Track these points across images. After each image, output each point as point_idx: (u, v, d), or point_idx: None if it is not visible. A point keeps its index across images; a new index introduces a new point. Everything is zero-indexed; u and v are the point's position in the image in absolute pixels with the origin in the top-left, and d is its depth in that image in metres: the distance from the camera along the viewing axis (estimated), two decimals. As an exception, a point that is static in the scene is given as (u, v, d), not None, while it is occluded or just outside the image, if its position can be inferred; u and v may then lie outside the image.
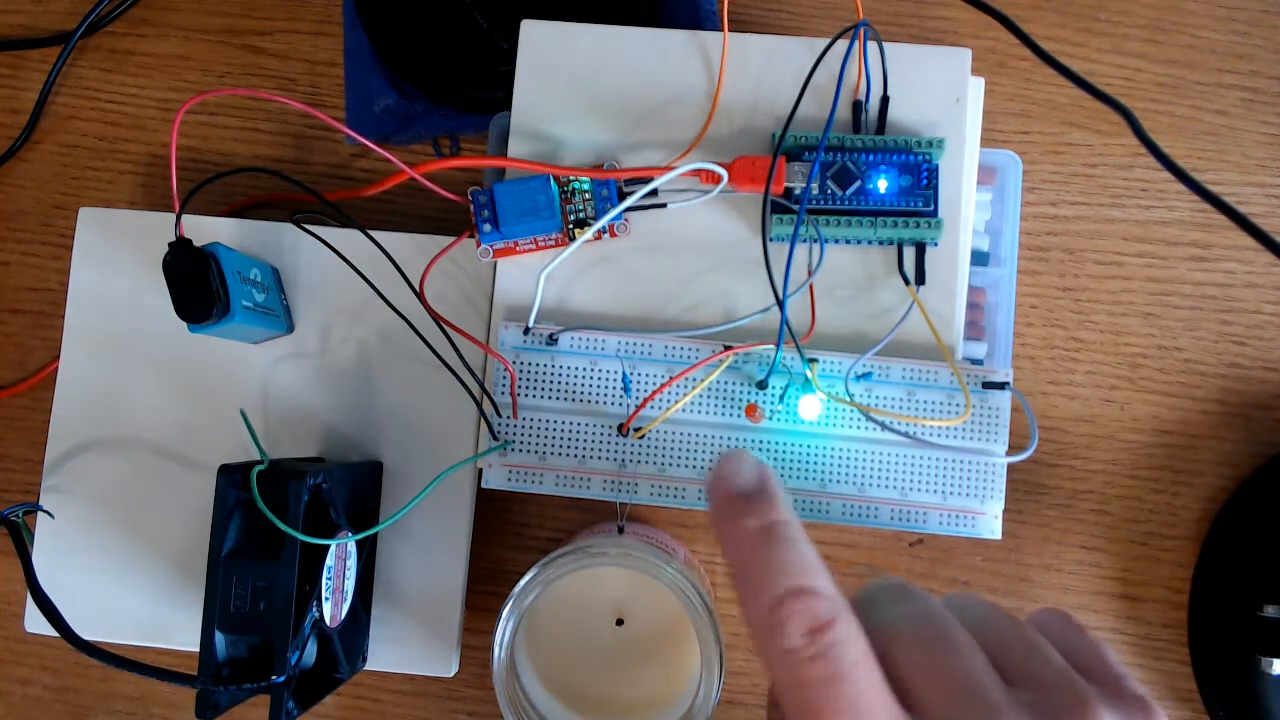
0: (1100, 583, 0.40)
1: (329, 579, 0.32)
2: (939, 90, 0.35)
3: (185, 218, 0.33)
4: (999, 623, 0.21)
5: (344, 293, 0.37)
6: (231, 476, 0.31)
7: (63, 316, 0.38)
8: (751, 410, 0.34)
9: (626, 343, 0.34)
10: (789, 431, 0.34)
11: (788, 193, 0.34)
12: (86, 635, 0.30)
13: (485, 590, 0.40)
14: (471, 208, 0.34)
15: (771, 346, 0.33)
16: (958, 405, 0.34)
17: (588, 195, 0.35)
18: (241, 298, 0.33)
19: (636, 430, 0.34)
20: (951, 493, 0.33)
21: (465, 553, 0.37)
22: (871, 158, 0.34)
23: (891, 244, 0.34)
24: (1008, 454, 0.33)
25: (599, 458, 0.34)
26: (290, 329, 0.37)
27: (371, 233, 0.35)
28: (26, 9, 0.44)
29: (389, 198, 0.41)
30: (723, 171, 0.33)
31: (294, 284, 0.37)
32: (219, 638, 0.30)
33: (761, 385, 0.34)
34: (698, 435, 0.34)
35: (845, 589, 0.22)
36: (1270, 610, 0.37)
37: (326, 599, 0.32)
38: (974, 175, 0.35)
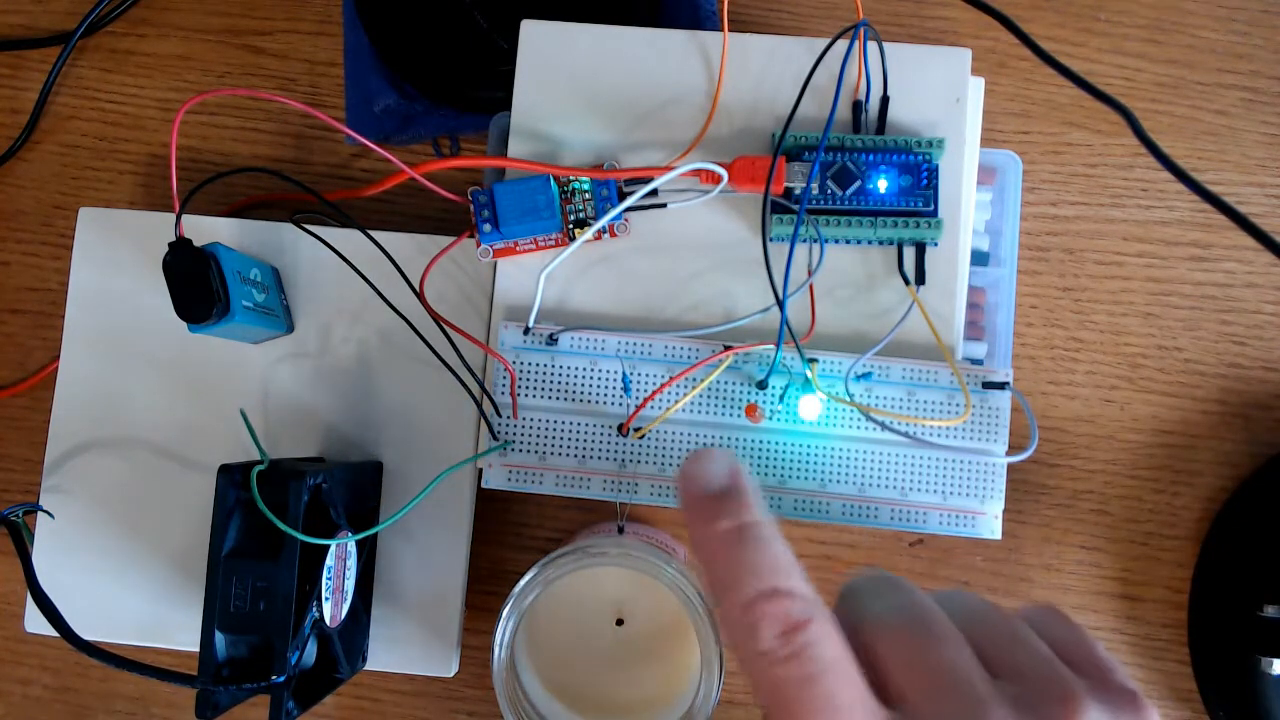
0: (1100, 583, 0.40)
1: (329, 579, 0.32)
2: (939, 90, 0.35)
3: (185, 218, 0.33)
4: (986, 615, 0.21)
5: (344, 293, 0.37)
6: (231, 476, 0.31)
7: (63, 316, 0.38)
8: (751, 410, 0.34)
9: (626, 343, 0.34)
10: (789, 431, 0.34)
11: (788, 193, 0.34)
12: (86, 635, 0.30)
13: (485, 590, 0.40)
14: (471, 208, 0.34)
15: (771, 346, 0.33)
16: (958, 405, 0.34)
17: (588, 195, 0.35)
18: (241, 298, 0.33)
19: (636, 430, 0.34)
20: (951, 493, 0.33)
21: (465, 553, 0.37)
22: (871, 158, 0.34)
23: (891, 244, 0.34)
24: (1008, 454, 0.33)
25: (599, 458, 0.34)
26: (290, 329, 0.37)
27: (371, 233, 0.35)
28: (26, 9, 0.44)
29: (389, 198, 0.41)
30: (723, 171, 0.33)
31: (294, 284, 0.37)
32: (219, 638, 0.30)
33: (761, 385, 0.34)
34: (698, 435, 0.34)
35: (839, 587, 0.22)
36: (1270, 610, 0.37)
37: (326, 599, 0.32)
38: (974, 175, 0.35)
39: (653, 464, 0.34)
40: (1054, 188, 0.42)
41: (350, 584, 0.34)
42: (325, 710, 0.40)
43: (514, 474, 0.34)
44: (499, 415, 0.34)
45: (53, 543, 0.37)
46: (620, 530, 0.37)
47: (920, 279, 0.34)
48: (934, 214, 0.34)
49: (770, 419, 0.34)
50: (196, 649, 0.30)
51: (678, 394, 0.34)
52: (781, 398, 0.34)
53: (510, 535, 0.41)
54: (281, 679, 0.30)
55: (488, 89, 0.40)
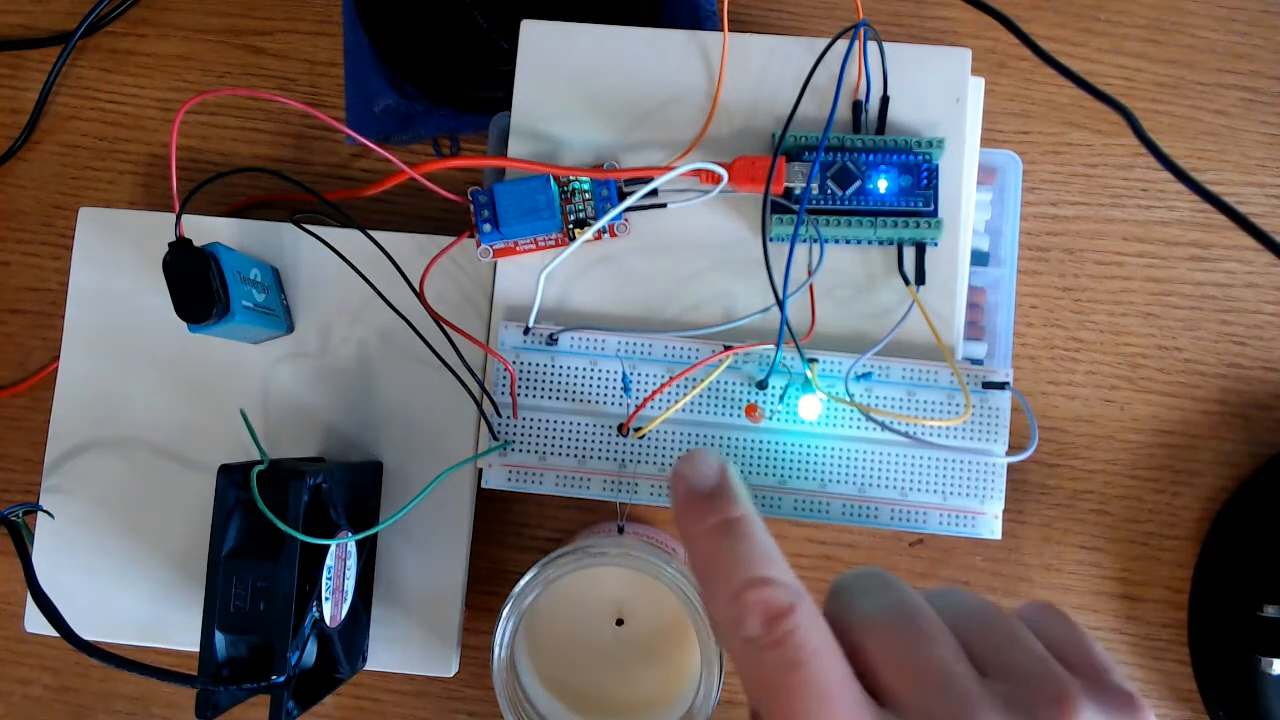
0: (1100, 583, 0.40)
1: (329, 579, 0.32)
2: (939, 90, 0.35)
3: (185, 218, 0.33)
4: (978, 613, 0.21)
5: (344, 293, 0.37)
6: (231, 476, 0.31)
7: (63, 316, 0.38)
8: (751, 410, 0.34)
9: (626, 343, 0.34)
10: (789, 431, 0.34)
11: (788, 193, 0.34)
12: (86, 635, 0.30)
13: (485, 590, 0.40)
14: (471, 208, 0.34)
15: (771, 346, 0.33)
16: (958, 405, 0.34)
17: (588, 195, 0.35)
18: (241, 298, 0.33)
19: (636, 430, 0.34)
20: (951, 493, 0.33)
21: (465, 553, 0.37)
22: (871, 158, 0.34)
23: (891, 244, 0.34)
24: (1008, 454, 0.33)
25: (599, 458, 0.34)
26: (290, 329, 0.37)
27: (371, 233, 0.35)
28: (26, 9, 0.44)
29: (389, 198, 0.41)
30: (723, 171, 0.33)
31: (294, 284, 0.37)
32: (219, 638, 0.30)
33: (761, 385, 0.34)
34: (698, 435, 0.34)
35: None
36: (1270, 610, 0.37)
37: (326, 599, 0.32)
38: (974, 175, 0.35)
39: (653, 464, 0.34)
40: (1054, 188, 0.42)
41: (350, 584, 0.34)
42: (325, 710, 0.40)
43: (514, 474, 0.34)
44: (499, 415, 0.34)
45: (53, 543, 0.37)
46: (620, 530, 0.37)
47: (920, 279, 0.34)
48: (934, 214, 0.34)
49: (770, 419, 0.34)
50: (196, 649, 0.30)
51: (678, 394, 0.34)
52: (781, 398, 0.34)
53: (510, 535, 0.41)
54: (281, 679, 0.30)
55: (488, 89, 0.40)
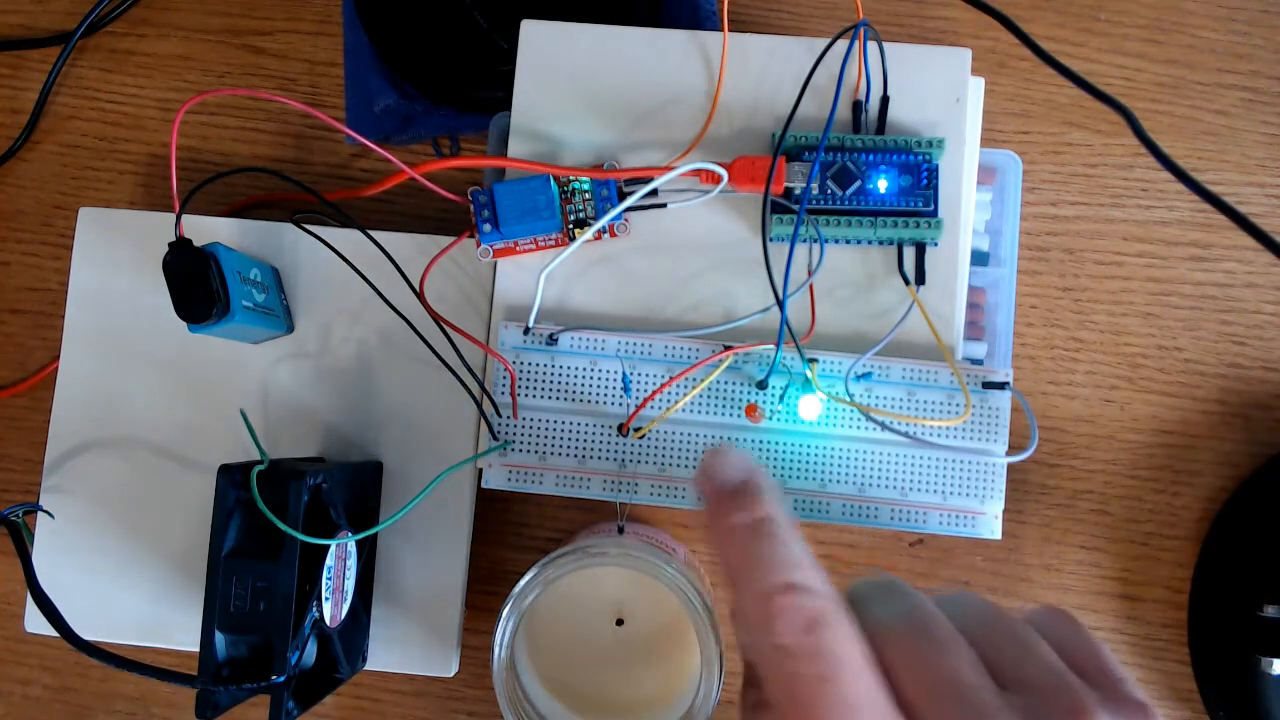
0: (1100, 583, 0.40)
1: (329, 579, 0.32)
2: (939, 90, 0.35)
3: (185, 218, 0.33)
4: (993, 621, 0.21)
5: (344, 293, 0.37)
6: (231, 476, 0.31)
7: (63, 316, 0.38)
8: (751, 410, 0.34)
9: (626, 343, 0.34)
10: (789, 431, 0.34)
11: (788, 193, 0.34)
12: (86, 635, 0.30)
13: (485, 590, 0.40)
14: (471, 208, 0.34)
15: (771, 346, 0.33)
16: (958, 405, 0.34)
17: (588, 195, 0.35)
18: (241, 298, 0.33)
19: (636, 430, 0.34)
20: (951, 493, 0.33)
21: (465, 553, 0.37)
22: (871, 158, 0.34)
23: (891, 244, 0.34)
24: (1008, 454, 0.33)
25: (599, 458, 0.34)
26: (290, 329, 0.37)
27: (371, 233, 0.35)
28: (26, 9, 0.44)
29: (389, 198, 0.41)
30: (723, 171, 0.33)
31: (294, 284, 0.37)
32: (219, 638, 0.30)
33: (761, 385, 0.34)
34: (698, 435, 0.34)
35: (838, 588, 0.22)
36: (1270, 610, 0.37)
37: (326, 599, 0.32)
38: (974, 175, 0.35)
39: (653, 464, 0.34)
40: (1054, 188, 0.42)
41: (350, 584, 0.34)
42: (325, 710, 0.40)
43: (514, 474, 0.34)
44: (499, 415, 0.34)
45: (53, 543, 0.37)
46: (620, 530, 0.37)
47: (920, 279, 0.34)
48: (934, 214, 0.34)
49: (770, 419, 0.34)
50: (196, 649, 0.30)
51: (678, 394, 0.34)
52: (781, 398, 0.34)
53: (510, 535, 0.41)
54: (281, 679, 0.30)
55: (488, 89, 0.40)
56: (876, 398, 0.34)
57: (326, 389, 0.37)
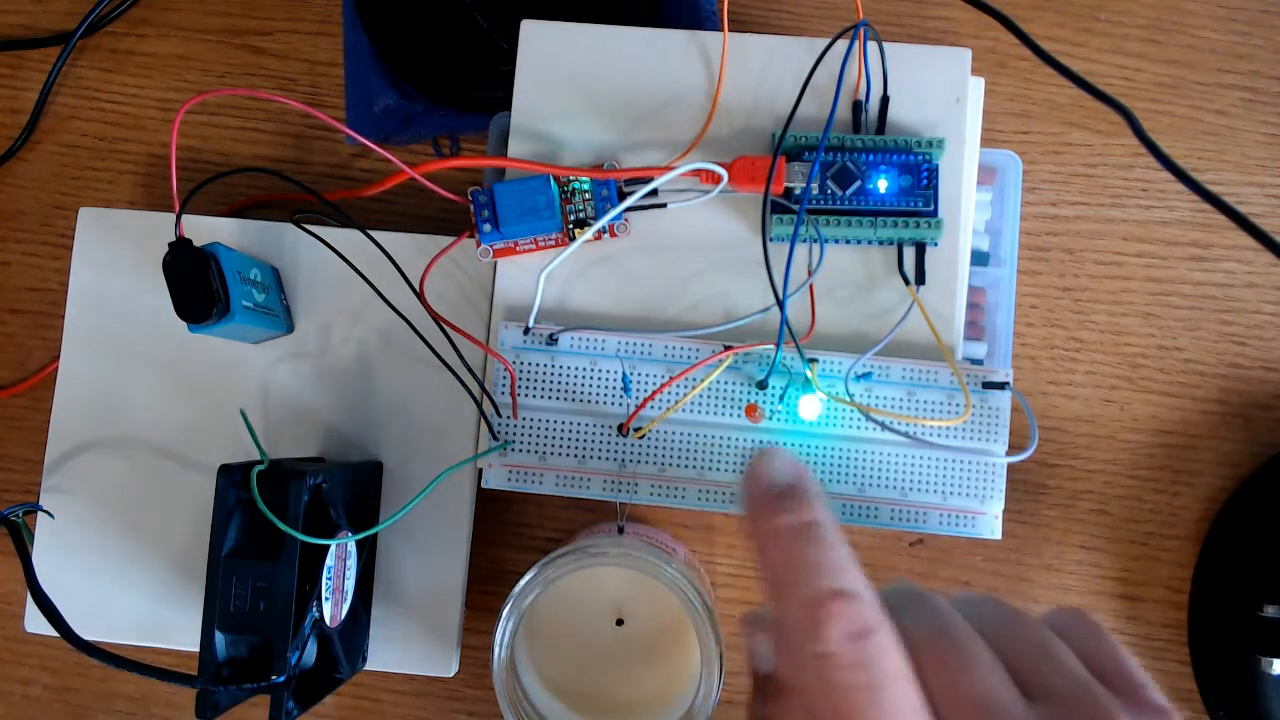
0: (1100, 583, 0.40)
1: (329, 579, 0.32)
2: (939, 90, 0.35)
3: (185, 218, 0.33)
4: (1017, 628, 0.21)
5: (344, 293, 0.37)
6: (231, 476, 0.31)
7: (63, 316, 0.38)
8: (751, 410, 0.34)
9: (626, 343, 0.34)
10: (789, 431, 0.34)
11: (788, 193, 0.34)
12: (86, 635, 0.30)
13: (485, 590, 0.40)
14: (471, 208, 0.34)
15: (771, 346, 0.33)
16: (958, 405, 0.34)
17: (588, 195, 0.35)
18: (241, 298, 0.33)
19: (636, 430, 0.34)
20: (951, 493, 0.33)
21: (465, 553, 0.37)
22: (871, 158, 0.34)
23: (891, 244, 0.34)
24: (1008, 454, 0.33)
25: (599, 458, 0.34)
26: (290, 329, 0.37)
27: (371, 233, 0.35)
28: (26, 9, 0.44)
29: (389, 198, 0.41)
30: (723, 171, 0.33)
31: (294, 284, 0.37)
32: (219, 638, 0.30)
33: (761, 385, 0.34)
34: (698, 435, 0.34)
35: None
36: (1270, 610, 0.37)
37: (326, 599, 0.32)
38: (974, 175, 0.35)
39: (653, 464, 0.34)
40: (1054, 188, 0.42)
41: (350, 584, 0.34)
42: (325, 710, 0.40)
43: (514, 474, 0.34)
44: (499, 415, 0.34)
45: (53, 543, 0.37)
46: (620, 530, 0.37)
47: (920, 279, 0.34)
48: (934, 214, 0.34)
49: (770, 419, 0.34)
50: (196, 649, 0.30)
51: (678, 394, 0.34)
52: (781, 398, 0.34)
53: (510, 535, 0.41)
54: (281, 679, 0.30)
55: (488, 89, 0.40)
56: (876, 398, 0.34)
57: (326, 389, 0.37)
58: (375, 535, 0.36)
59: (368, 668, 0.36)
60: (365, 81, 0.41)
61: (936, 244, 0.34)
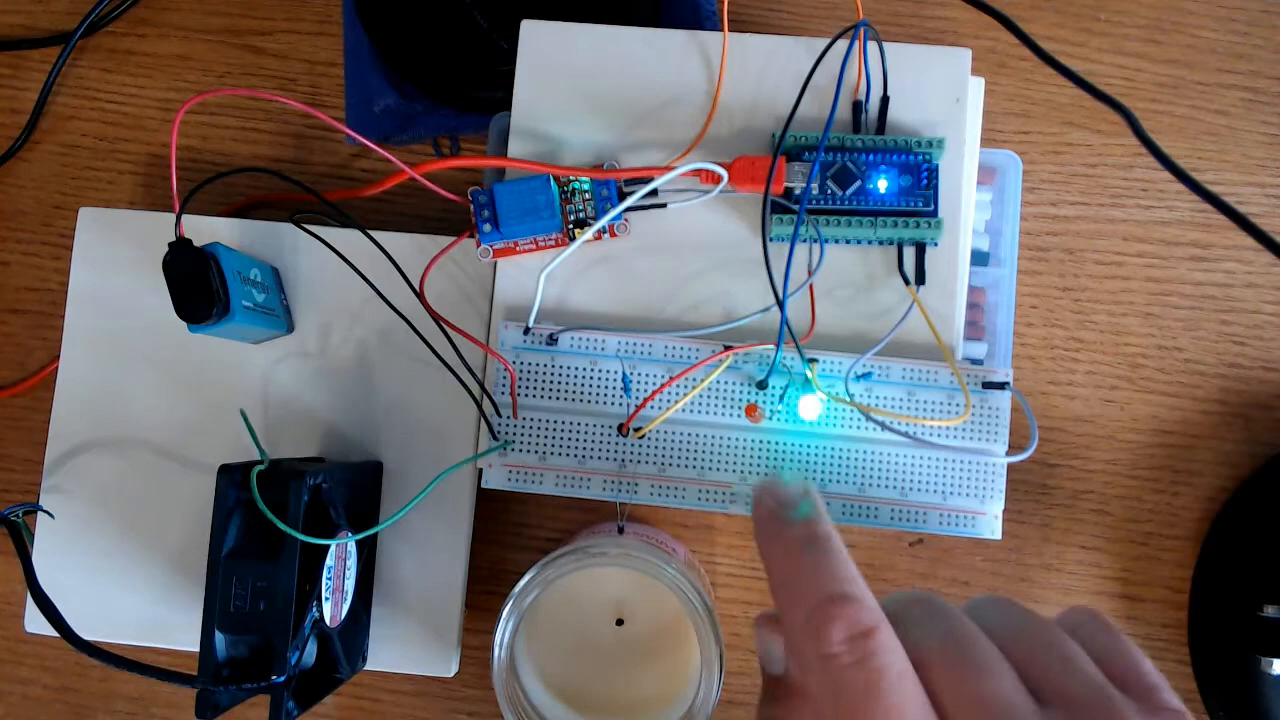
0: (1100, 583, 0.40)
1: (329, 579, 0.32)
2: (939, 90, 0.35)
3: (185, 218, 0.33)
4: (1028, 630, 0.21)
5: (344, 293, 0.37)
6: (231, 476, 0.31)
7: (63, 316, 0.38)
8: (751, 410, 0.34)
9: (626, 343, 0.34)
10: (789, 431, 0.34)
11: (788, 193, 0.34)
12: (86, 635, 0.30)
13: (485, 590, 0.40)
14: (471, 208, 0.34)
15: (771, 346, 0.33)
16: (958, 405, 0.34)
17: (588, 195, 0.35)
18: (241, 298, 0.33)
19: (636, 430, 0.34)
20: (951, 493, 0.33)
21: (465, 553, 0.37)
22: (871, 158, 0.34)
23: (891, 244, 0.34)
24: (1008, 454, 0.33)
25: (599, 458, 0.34)
26: (290, 329, 0.37)
27: (371, 233, 0.35)
28: (26, 9, 0.44)
29: (389, 198, 0.41)
30: (723, 171, 0.33)
31: (294, 284, 0.37)
32: (219, 638, 0.30)
33: (761, 385, 0.34)
34: (698, 435, 0.34)
35: None
36: (1270, 610, 0.37)
37: (326, 599, 0.32)
38: (974, 175, 0.35)
39: (653, 464, 0.34)
40: (1054, 188, 0.42)
41: (350, 584, 0.34)
42: (325, 710, 0.40)
43: (514, 474, 0.34)
44: (499, 415, 0.34)
45: (53, 543, 0.37)
46: (620, 530, 0.37)
47: (920, 279, 0.34)
48: (934, 214, 0.34)
49: (770, 419, 0.34)
50: (196, 649, 0.30)
51: (678, 394, 0.34)
52: (781, 398, 0.34)
53: (510, 535, 0.41)
54: (281, 679, 0.30)
55: (488, 89, 0.40)
56: (876, 398, 0.34)
57: (326, 389, 0.37)
58: (375, 535, 0.36)
59: (368, 668, 0.36)
60: (365, 81, 0.41)
61: (936, 244, 0.34)
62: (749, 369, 0.34)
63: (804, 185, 0.33)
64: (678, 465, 0.34)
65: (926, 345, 0.34)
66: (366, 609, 0.36)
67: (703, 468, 0.34)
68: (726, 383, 0.34)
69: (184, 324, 0.32)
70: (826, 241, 0.34)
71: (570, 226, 0.35)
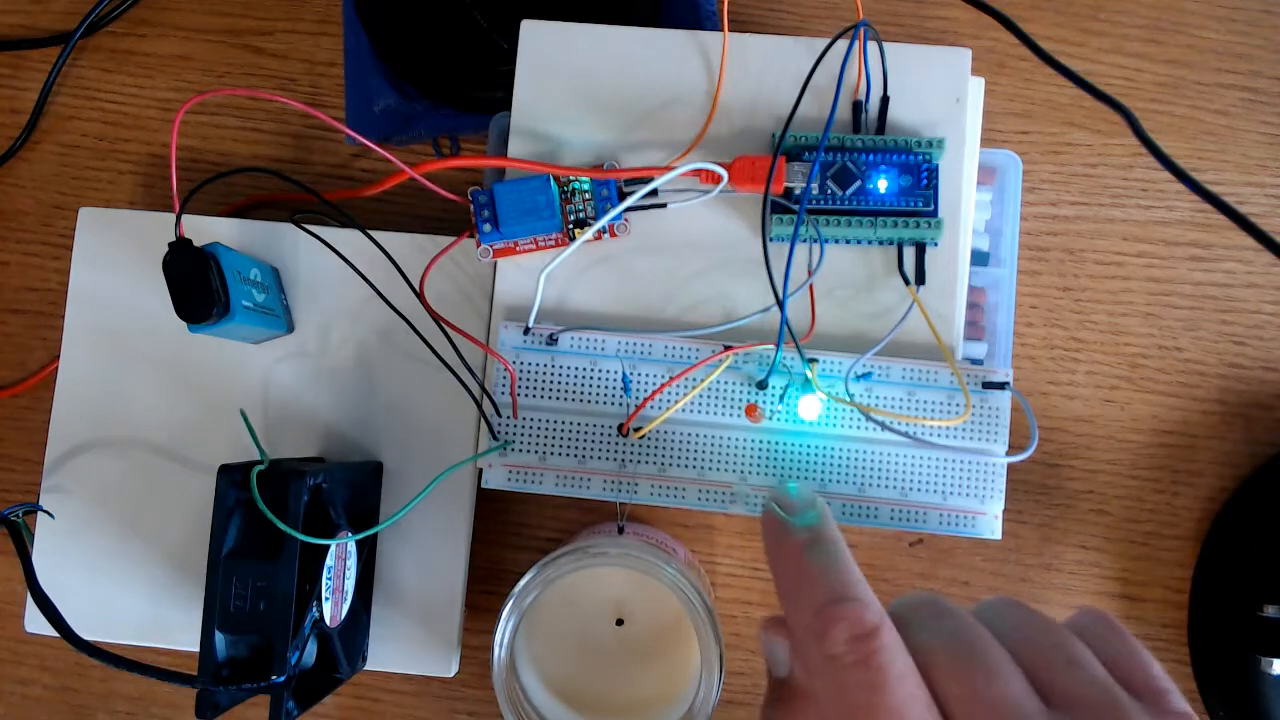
0: (1100, 583, 0.40)
1: (329, 579, 0.32)
2: (939, 90, 0.35)
3: (185, 218, 0.33)
4: (1036, 633, 0.21)
5: (344, 293, 0.37)
6: (231, 476, 0.31)
7: (63, 316, 0.38)
8: (751, 410, 0.34)
9: (626, 343, 0.34)
10: (789, 431, 0.34)
11: (788, 193, 0.34)
12: (86, 635, 0.30)
13: (485, 590, 0.40)
14: (471, 208, 0.34)
15: (771, 346, 0.33)
16: (958, 405, 0.34)
17: (588, 195, 0.35)
18: (241, 298, 0.33)
19: (636, 430, 0.34)
20: (951, 493, 0.33)
21: (465, 553, 0.37)
22: (871, 158, 0.34)
23: (891, 244, 0.34)
24: (1008, 454, 0.33)
25: (599, 458, 0.34)
26: (290, 329, 0.37)
27: (371, 233, 0.35)
28: (26, 9, 0.44)
29: (389, 198, 0.41)
30: (723, 171, 0.33)
31: (294, 284, 0.37)
32: (219, 638, 0.30)
33: (761, 385, 0.34)
34: (698, 435, 0.34)
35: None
36: (1270, 610, 0.37)
37: (326, 599, 0.32)
38: (974, 175, 0.35)
39: (653, 464, 0.34)
40: (1054, 188, 0.42)
41: (350, 584, 0.34)
42: (325, 710, 0.40)
43: (514, 474, 0.34)
44: (499, 415, 0.34)
45: (53, 543, 0.37)
46: (620, 530, 0.37)
47: (920, 279, 0.34)
48: (934, 214, 0.34)
49: (770, 419, 0.34)
50: (196, 649, 0.30)
51: (678, 394, 0.34)
52: (781, 398, 0.34)
53: (510, 535, 0.41)
54: (281, 679, 0.30)
55: (488, 89, 0.40)
56: (876, 398, 0.34)
57: (326, 389, 0.37)
58: (375, 535, 0.36)
59: (368, 668, 0.36)
60: (365, 81, 0.41)
61: (936, 244, 0.34)
62: (749, 369, 0.34)
63: (804, 185, 0.33)
64: (678, 465, 0.34)
65: (926, 345, 0.34)
66: (366, 609, 0.36)
67: (703, 468, 0.34)
68: (726, 383, 0.34)
69: (184, 324, 0.32)
70: (826, 241, 0.34)
71: (570, 226, 0.35)
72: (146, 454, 0.37)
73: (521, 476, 0.34)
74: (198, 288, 0.32)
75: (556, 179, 0.35)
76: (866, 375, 0.34)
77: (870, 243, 0.34)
